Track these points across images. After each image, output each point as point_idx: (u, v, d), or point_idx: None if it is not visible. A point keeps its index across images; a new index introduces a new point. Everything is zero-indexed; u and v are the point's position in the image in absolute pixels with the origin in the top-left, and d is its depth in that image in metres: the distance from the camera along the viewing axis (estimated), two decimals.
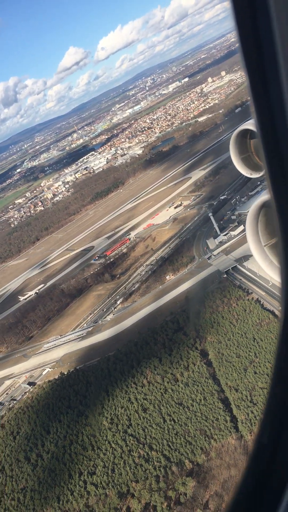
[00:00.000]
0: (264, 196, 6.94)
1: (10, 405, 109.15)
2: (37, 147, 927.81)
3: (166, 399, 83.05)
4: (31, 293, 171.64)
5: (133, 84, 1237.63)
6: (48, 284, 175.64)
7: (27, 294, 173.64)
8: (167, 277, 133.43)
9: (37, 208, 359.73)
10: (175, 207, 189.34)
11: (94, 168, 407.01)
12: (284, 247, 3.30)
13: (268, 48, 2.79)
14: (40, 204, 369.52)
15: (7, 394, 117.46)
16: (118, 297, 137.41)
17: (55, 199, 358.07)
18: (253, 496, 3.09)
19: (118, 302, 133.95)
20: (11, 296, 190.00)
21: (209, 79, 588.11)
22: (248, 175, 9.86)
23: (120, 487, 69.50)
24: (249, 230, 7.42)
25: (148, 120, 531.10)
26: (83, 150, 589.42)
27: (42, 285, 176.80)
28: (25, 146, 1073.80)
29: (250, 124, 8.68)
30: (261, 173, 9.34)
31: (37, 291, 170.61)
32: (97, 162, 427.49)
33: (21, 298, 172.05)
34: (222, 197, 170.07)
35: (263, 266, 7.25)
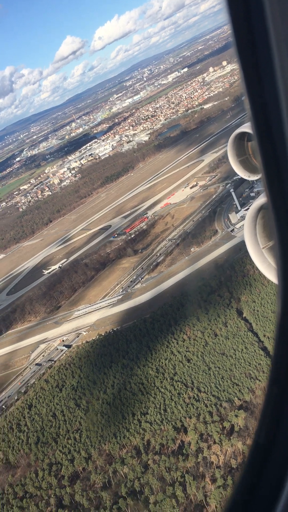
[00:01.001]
0: (262, 198, 7.00)
1: (49, 365, 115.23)
2: (34, 137, 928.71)
3: (208, 350, 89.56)
4: (55, 267, 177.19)
5: (130, 75, 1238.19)
6: (71, 259, 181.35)
7: (50, 268, 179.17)
8: (191, 249, 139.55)
9: (45, 193, 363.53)
10: (191, 187, 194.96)
11: (100, 154, 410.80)
12: (281, 250, 3.41)
13: (264, 51, 2.82)
14: (47, 189, 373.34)
15: (43, 356, 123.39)
16: (144, 268, 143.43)
17: (62, 184, 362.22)
18: (251, 496, 3.13)
19: (145, 273, 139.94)
20: (31, 272, 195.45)
21: (210, 69, 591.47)
22: (246, 177, 10.02)
23: (175, 423, 76.05)
24: (247, 232, 7.44)
25: (151, 109, 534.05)
26: (85, 139, 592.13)
27: (65, 260, 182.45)
28: (21, 136, 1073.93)
29: (247, 127, 8.83)
30: (259, 175, 8.33)
31: (61, 265, 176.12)
32: (102, 149, 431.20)
33: (45, 272, 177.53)
34: (238, 177, 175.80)
35: (261, 268, 7.30)
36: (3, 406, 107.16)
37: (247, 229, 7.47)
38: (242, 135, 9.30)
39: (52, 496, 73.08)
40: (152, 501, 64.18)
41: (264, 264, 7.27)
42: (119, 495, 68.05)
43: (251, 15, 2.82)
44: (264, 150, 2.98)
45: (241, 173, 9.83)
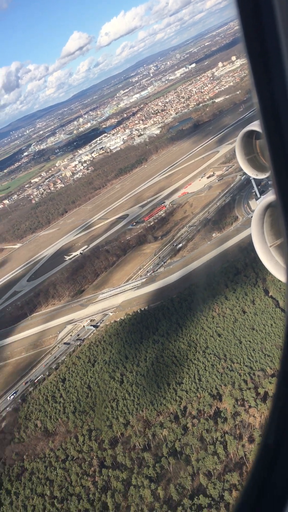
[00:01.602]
0: (270, 196, 6.96)
1: (78, 344, 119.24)
2: (41, 132, 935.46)
3: (238, 326, 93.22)
4: (76, 253, 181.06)
5: (135, 71, 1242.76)
6: (91, 245, 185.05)
7: (71, 254, 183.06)
8: (213, 235, 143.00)
9: (57, 185, 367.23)
10: (208, 177, 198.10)
11: (111, 148, 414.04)
12: None
13: (273, 48, 2.78)
14: (59, 181, 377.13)
15: (71, 336, 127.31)
16: (166, 253, 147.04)
17: (75, 177, 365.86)
18: (259, 498, 3.14)
19: (167, 258, 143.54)
20: (51, 259, 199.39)
21: (220, 64, 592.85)
22: (254, 176, 9.91)
23: (210, 390, 79.84)
24: (254, 230, 7.41)
25: (160, 103, 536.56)
26: (94, 133, 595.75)
27: (86, 246, 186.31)
28: (27, 131, 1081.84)
29: (255, 125, 8.80)
30: (267, 174, 9.46)
31: (82, 252, 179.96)
32: (113, 142, 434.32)
33: (67, 258, 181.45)
34: None
35: (268, 267, 7.24)
36: (36, 381, 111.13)
37: (254, 227, 7.36)
38: (250, 133, 9.24)
39: (94, 458, 77.07)
40: (194, 459, 68.01)
41: (272, 263, 7.14)
42: (160, 456, 71.92)
43: (260, 10, 2.81)
44: (273, 148, 3.01)
45: (249, 171, 9.73)
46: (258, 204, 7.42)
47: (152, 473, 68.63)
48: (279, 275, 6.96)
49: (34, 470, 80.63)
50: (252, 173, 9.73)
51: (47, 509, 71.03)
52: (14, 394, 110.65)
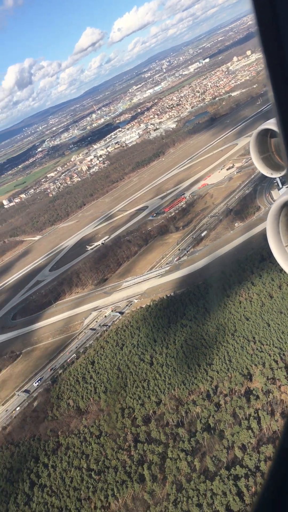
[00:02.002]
0: (285, 196, 6.96)
1: (104, 329, 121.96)
2: (54, 128, 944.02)
3: (265, 309, 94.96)
4: (98, 243, 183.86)
5: (147, 67, 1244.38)
6: (112, 236, 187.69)
7: (93, 244, 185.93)
8: (235, 224, 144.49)
9: (74, 179, 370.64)
10: (227, 169, 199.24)
11: (126, 142, 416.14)
12: None
13: None
14: (75, 176, 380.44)
15: (96, 322, 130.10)
16: (188, 242, 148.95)
17: (90, 171, 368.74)
18: (277, 502, 3.12)
19: (190, 247, 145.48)
20: (71, 250, 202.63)
21: (234, 58, 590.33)
22: (269, 175, 9.80)
23: (241, 370, 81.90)
24: (269, 230, 7.34)
25: (175, 98, 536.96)
26: (108, 128, 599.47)
27: (107, 237, 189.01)
28: (40, 128, 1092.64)
29: (270, 124, 8.75)
30: (282, 173, 9.50)
31: (103, 242, 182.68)
32: (129, 137, 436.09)
33: (88, 248, 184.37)
34: None
35: (284, 266, 7.24)
36: (64, 364, 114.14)
37: (269, 226, 7.25)
38: (265, 132, 9.17)
39: (128, 434, 79.68)
40: (228, 434, 70.24)
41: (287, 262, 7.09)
42: (194, 431, 74.26)
43: (275, 4, 2.75)
44: None
45: (264, 170, 9.64)
46: (273, 204, 7.32)
47: (187, 447, 71.01)
48: None
49: (70, 445, 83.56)
50: (267, 172, 9.59)
51: (84, 481, 73.78)
52: (44, 376, 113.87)
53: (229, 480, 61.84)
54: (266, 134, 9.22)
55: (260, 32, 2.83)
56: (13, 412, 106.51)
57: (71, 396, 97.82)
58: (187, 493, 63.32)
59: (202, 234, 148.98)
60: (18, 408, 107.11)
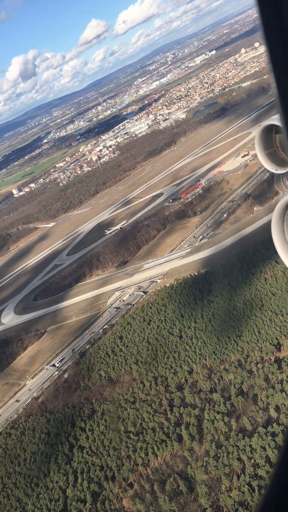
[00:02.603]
0: None
1: (128, 308, 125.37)
2: (58, 120, 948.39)
3: None
4: (116, 228, 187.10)
5: (151, 60, 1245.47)
6: (130, 220, 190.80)
7: (111, 228, 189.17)
8: (254, 208, 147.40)
9: (84, 169, 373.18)
10: (242, 156, 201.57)
11: (136, 132, 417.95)
12: None
13: None
14: (85, 165, 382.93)
15: (119, 301, 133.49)
16: (208, 226, 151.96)
17: (101, 161, 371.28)
18: (282, 502, 3.09)
19: (210, 230, 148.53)
20: (88, 234, 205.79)
21: (242, 50, 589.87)
22: (274, 171, 9.80)
23: (271, 341, 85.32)
24: (274, 228, 7.32)
25: (182, 89, 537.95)
26: (115, 120, 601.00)
27: (125, 221, 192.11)
28: (44, 120, 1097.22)
29: (275, 119, 8.76)
30: (287, 169, 9.52)
31: (121, 226, 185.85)
32: (138, 127, 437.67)
33: (107, 232, 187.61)
34: None
35: None
36: (91, 340, 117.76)
37: (274, 225, 7.28)
38: (270, 127, 9.20)
39: (163, 399, 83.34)
40: (262, 396, 73.81)
41: None
42: (228, 396, 77.83)
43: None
44: None
45: (268, 166, 9.64)
46: (278, 202, 7.29)
47: (223, 409, 74.62)
48: None
49: (105, 411, 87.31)
50: (271, 168, 9.58)
51: (123, 441, 77.54)
52: (73, 350, 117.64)
53: (267, 436, 65.41)
54: (271, 130, 9.23)
55: (264, 26, 2.85)
56: (44, 384, 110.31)
57: (102, 367, 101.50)
58: (227, 449, 66.98)
59: (221, 218, 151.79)
60: (48, 381, 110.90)
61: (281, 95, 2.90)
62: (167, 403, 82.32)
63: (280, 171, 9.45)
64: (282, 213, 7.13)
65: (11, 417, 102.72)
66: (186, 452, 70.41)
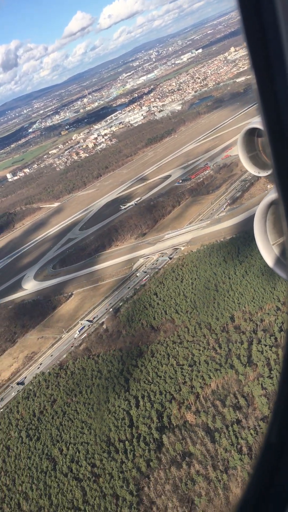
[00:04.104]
0: (273, 194, 6.84)
1: (156, 271, 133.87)
2: (41, 111, 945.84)
3: None
4: (131, 203, 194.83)
5: (133, 57, 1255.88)
6: (144, 197, 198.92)
7: (126, 204, 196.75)
8: (268, 186, 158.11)
9: (81, 155, 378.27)
10: None
11: (131, 122, 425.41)
12: None
13: (275, 43, 2.73)
14: (82, 152, 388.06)
15: (145, 266, 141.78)
16: (223, 201, 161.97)
17: (98, 148, 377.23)
18: (262, 496, 3.13)
19: (226, 205, 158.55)
20: (98, 212, 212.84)
21: (232, 49, 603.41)
22: (256, 174, 9.70)
23: None
24: (256, 228, 7.43)
25: (174, 84, 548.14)
26: (104, 111, 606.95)
27: (139, 198, 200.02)
28: (25, 111, 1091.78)
29: (257, 123, 8.75)
30: (269, 172, 9.32)
31: (136, 202, 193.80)
32: (132, 117, 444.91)
33: (122, 207, 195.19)
34: None
35: (271, 265, 7.22)
36: (124, 299, 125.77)
37: (257, 225, 7.36)
38: (252, 131, 9.18)
39: (209, 339, 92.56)
40: None
41: (275, 261, 7.13)
42: (272, 333, 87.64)
43: (260, 4, 2.76)
44: (275, 146, 3.03)
45: (251, 169, 9.54)
46: (261, 202, 7.26)
47: (269, 342, 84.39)
48: (282, 273, 6.90)
49: (154, 351, 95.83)
50: (254, 171, 9.60)
51: (178, 372, 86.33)
52: (107, 307, 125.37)
53: None
54: (253, 133, 9.30)
55: (245, 30, 2.86)
56: (82, 334, 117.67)
57: (142, 318, 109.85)
58: (279, 371, 76.59)
59: (236, 195, 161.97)
60: (86, 333, 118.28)
61: (262, 99, 2.96)
62: (214, 341, 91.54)
63: (263, 174, 9.55)
64: (264, 213, 7.07)
65: (57, 361, 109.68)
66: (240, 376, 79.78)
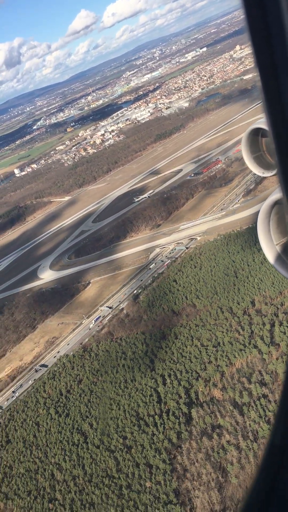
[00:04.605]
0: (277, 194, 6.79)
1: (173, 259, 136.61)
2: (44, 109, 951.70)
3: None
4: (144, 196, 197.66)
5: (136, 55, 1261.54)
6: (157, 190, 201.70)
7: (139, 197, 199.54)
8: None
9: (88, 151, 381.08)
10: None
11: (138, 119, 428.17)
12: None
13: (280, 44, 2.71)
14: (89, 148, 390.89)
15: (161, 255, 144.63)
16: (237, 194, 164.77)
17: (105, 144, 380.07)
18: (266, 497, 3.11)
19: (239, 197, 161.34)
20: (111, 205, 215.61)
21: (237, 47, 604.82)
22: (261, 174, 9.45)
23: None
24: (260, 228, 7.32)
25: (179, 81, 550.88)
26: (109, 108, 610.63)
27: (151, 191, 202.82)
28: (28, 109, 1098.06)
29: (261, 123, 8.58)
30: (274, 172, 9.05)
31: (149, 195, 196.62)
32: (139, 114, 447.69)
33: (135, 199, 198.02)
34: None
35: (275, 265, 7.17)
36: (143, 286, 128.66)
37: (260, 224, 7.24)
38: (257, 131, 9.03)
39: (232, 322, 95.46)
40: None
41: (279, 261, 7.07)
42: None
43: (265, 3, 2.76)
44: (280, 147, 3.01)
45: (255, 169, 9.37)
46: (264, 202, 7.18)
47: None
48: (285, 273, 6.85)
49: (177, 333, 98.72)
50: (258, 171, 9.33)
51: (202, 353, 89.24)
52: (127, 293, 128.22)
53: None
54: (257, 133, 9.13)
55: (249, 29, 2.86)
56: (103, 320, 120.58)
57: (162, 303, 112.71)
58: None
59: (250, 187, 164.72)
60: (106, 319, 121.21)
61: (266, 98, 2.94)
62: (236, 324, 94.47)
63: (267, 174, 9.39)
64: (268, 213, 7.07)
65: (79, 344, 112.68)
66: (264, 355, 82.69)
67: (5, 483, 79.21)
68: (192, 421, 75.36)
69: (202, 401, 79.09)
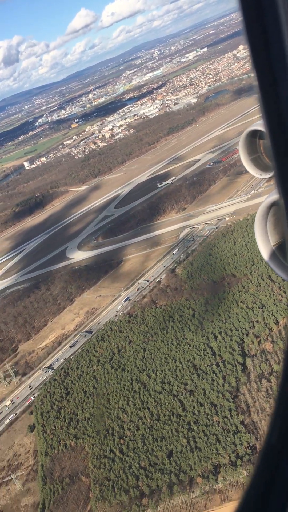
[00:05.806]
0: (274, 195, 6.70)
1: (204, 238, 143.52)
2: (43, 107, 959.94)
3: None
4: (167, 182, 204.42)
5: (133, 55, 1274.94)
6: (179, 176, 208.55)
7: (162, 183, 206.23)
8: None
9: (98, 144, 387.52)
10: None
11: (146, 114, 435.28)
12: None
13: (277, 46, 2.74)
14: (99, 141, 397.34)
15: (191, 234, 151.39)
16: (262, 178, 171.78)
17: (116, 137, 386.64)
18: (262, 497, 3.15)
19: (264, 181, 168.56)
20: (131, 192, 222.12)
21: (241, 47, 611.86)
22: (258, 176, 9.26)
23: None
24: (257, 229, 7.23)
25: (184, 79, 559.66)
26: (113, 105, 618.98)
27: (173, 177, 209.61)
28: (26, 107, 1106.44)
29: (259, 125, 8.39)
30: (271, 174, 6.16)
31: (172, 181, 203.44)
32: (147, 110, 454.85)
33: (159, 185, 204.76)
34: None
35: (272, 266, 7.02)
36: (177, 261, 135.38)
37: (257, 226, 7.16)
38: (254, 133, 8.81)
39: (274, 287, 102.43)
40: None
41: (276, 262, 6.94)
42: None
43: (262, 5, 2.79)
44: (277, 148, 3.02)
45: (253, 171, 9.20)
46: (261, 203, 7.14)
47: None
48: (283, 274, 6.73)
49: (221, 298, 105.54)
50: (256, 173, 9.06)
51: (249, 313, 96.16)
52: (165, 266, 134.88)
53: None
54: (255, 135, 8.86)
55: (247, 32, 2.86)
56: (142, 291, 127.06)
57: (202, 274, 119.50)
58: None
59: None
60: (146, 290, 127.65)
61: (264, 101, 2.97)
62: (278, 289, 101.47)
63: (264, 176, 9.07)
64: (265, 214, 6.94)
65: (122, 312, 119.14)
66: None
67: (72, 426, 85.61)
68: (247, 369, 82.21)
69: (254, 353, 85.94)
